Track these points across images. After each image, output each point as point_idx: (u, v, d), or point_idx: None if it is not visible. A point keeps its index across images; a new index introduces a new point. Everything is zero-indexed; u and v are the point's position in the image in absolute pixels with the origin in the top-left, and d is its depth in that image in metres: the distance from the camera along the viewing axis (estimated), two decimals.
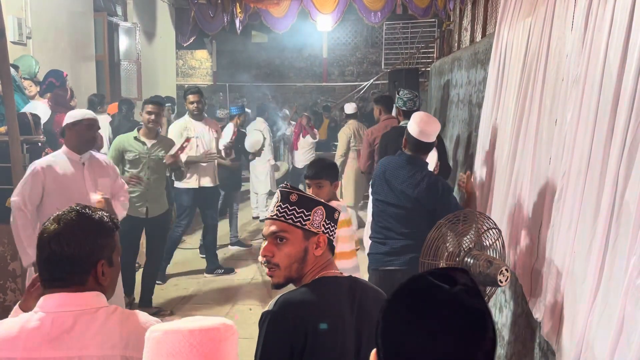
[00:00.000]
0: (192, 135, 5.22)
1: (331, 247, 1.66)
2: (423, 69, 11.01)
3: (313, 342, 1.49)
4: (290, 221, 1.59)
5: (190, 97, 5.35)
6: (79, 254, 1.46)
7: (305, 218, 1.59)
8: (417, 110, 4.40)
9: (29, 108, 4.91)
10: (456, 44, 7.83)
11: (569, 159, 2.15)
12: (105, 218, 1.54)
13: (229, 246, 6.51)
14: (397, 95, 4.67)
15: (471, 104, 5.08)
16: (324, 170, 3.00)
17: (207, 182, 5.46)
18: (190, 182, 5.32)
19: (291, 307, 1.51)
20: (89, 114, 3.47)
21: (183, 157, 4.90)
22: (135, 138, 4.59)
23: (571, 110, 2.16)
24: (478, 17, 6.12)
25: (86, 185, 3.37)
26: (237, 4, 8.27)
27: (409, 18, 11.66)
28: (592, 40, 2.00)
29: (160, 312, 4.79)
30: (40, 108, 5.14)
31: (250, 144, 6.69)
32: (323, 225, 1.60)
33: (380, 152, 4.54)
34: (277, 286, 1.63)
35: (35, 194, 3.26)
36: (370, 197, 3.49)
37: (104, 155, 3.83)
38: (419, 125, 3.10)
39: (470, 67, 5.32)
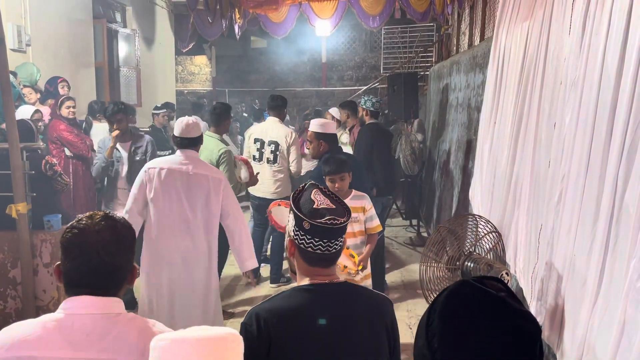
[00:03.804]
0: None
1: (305, 257, 1.62)
2: (422, 73, 11.02)
3: (277, 350, 1.53)
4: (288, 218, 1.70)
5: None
6: (126, 263, 1.49)
7: (288, 219, 1.68)
8: (381, 111, 5.38)
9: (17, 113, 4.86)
10: (455, 48, 7.85)
11: (568, 162, 2.15)
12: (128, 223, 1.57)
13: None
14: (365, 98, 5.36)
15: (470, 108, 5.09)
16: (344, 163, 3.22)
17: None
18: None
19: (257, 317, 1.56)
20: None
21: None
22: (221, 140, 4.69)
23: (570, 113, 2.17)
24: (476, 21, 6.14)
25: None
26: (236, 10, 8.29)
27: (407, 22, 11.70)
28: (589, 44, 2.01)
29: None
30: (23, 110, 5.04)
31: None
32: (293, 231, 1.63)
33: (367, 151, 5.00)
34: (291, 270, 1.73)
35: None
36: None
37: None
38: (322, 121, 4.03)
39: (468, 70, 5.34)
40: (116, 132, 4.48)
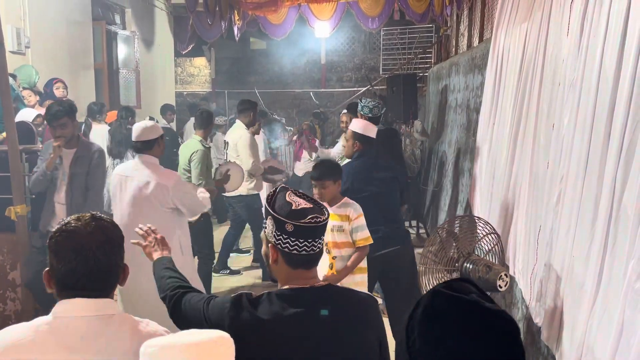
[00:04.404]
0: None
1: (289, 261, 1.60)
2: (421, 74, 11.04)
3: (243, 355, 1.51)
4: (263, 225, 1.68)
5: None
6: (120, 262, 1.49)
7: (265, 225, 1.65)
8: (380, 117, 5.04)
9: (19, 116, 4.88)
10: (454, 49, 7.86)
11: (566, 163, 2.15)
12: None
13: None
14: (362, 103, 4.99)
15: (469, 109, 5.09)
16: (327, 171, 3.13)
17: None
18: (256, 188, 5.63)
19: (231, 320, 1.54)
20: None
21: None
22: (209, 147, 4.92)
23: (568, 114, 2.17)
24: (475, 22, 6.15)
25: None
26: (235, 11, 8.30)
27: (406, 24, 11.70)
28: (587, 45, 2.02)
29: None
30: (25, 113, 5.06)
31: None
32: (274, 236, 1.59)
33: None
34: (270, 279, 1.69)
35: None
36: None
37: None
38: (364, 123, 3.88)
39: (467, 72, 5.34)
40: (58, 142, 3.70)
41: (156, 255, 1.99)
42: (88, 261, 1.42)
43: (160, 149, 3.52)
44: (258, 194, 5.74)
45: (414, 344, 0.87)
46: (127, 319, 1.49)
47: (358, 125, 3.79)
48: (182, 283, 1.81)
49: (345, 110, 6.50)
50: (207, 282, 4.74)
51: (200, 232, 4.65)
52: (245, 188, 5.43)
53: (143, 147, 3.43)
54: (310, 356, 1.54)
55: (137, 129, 3.47)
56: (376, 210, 3.46)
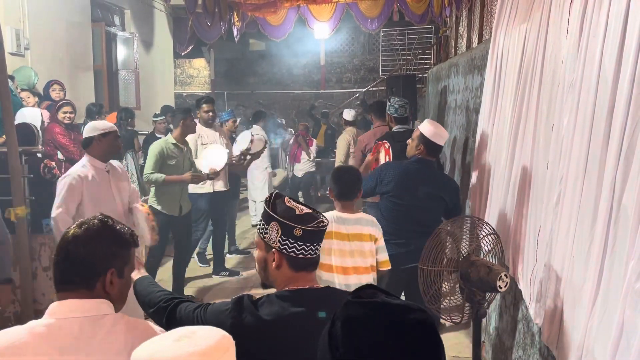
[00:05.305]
0: (205, 142, 5.50)
1: (294, 265, 1.61)
2: (420, 75, 11.06)
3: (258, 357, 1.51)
4: (258, 231, 1.67)
5: (205, 107, 5.57)
6: (92, 257, 1.49)
7: (265, 231, 1.63)
8: (408, 117, 4.89)
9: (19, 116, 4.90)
10: (453, 50, 7.87)
11: (566, 164, 2.15)
12: (126, 230, 1.58)
13: (227, 254, 6.52)
14: (389, 103, 4.90)
15: (468, 110, 5.09)
16: (330, 179, 3.05)
17: (220, 186, 5.60)
18: (205, 187, 5.43)
19: (233, 327, 1.52)
20: (114, 126, 3.67)
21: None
22: (174, 144, 4.78)
23: (567, 115, 2.17)
24: (474, 23, 6.16)
25: (112, 191, 3.60)
26: (235, 13, 8.30)
27: (405, 25, 11.74)
28: (587, 46, 2.02)
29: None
30: (28, 113, 5.08)
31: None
32: (279, 241, 1.58)
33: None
34: (262, 285, 1.73)
35: (74, 203, 3.43)
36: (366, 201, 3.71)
37: (118, 162, 3.94)
38: (435, 127, 3.48)
39: (467, 73, 5.34)
40: None
41: (135, 274, 1.97)
42: (61, 252, 1.49)
43: (101, 147, 3.50)
44: (223, 192, 5.67)
45: (340, 355, 0.89)
46: (120, 318, 1.50)
47: (428, 128, 3.45)
48: (174, 295, 1.83)
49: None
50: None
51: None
52: (209, 185, 5.44)
53: (83, 144, 3.57)
54: (310, 356, 1.54)
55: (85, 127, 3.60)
56: (410, 223, 3.35)
